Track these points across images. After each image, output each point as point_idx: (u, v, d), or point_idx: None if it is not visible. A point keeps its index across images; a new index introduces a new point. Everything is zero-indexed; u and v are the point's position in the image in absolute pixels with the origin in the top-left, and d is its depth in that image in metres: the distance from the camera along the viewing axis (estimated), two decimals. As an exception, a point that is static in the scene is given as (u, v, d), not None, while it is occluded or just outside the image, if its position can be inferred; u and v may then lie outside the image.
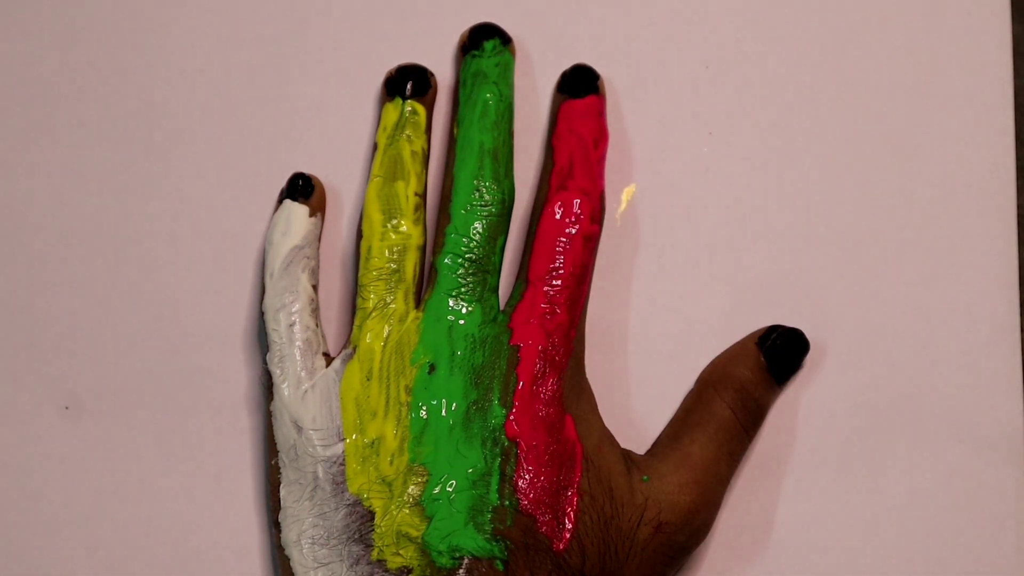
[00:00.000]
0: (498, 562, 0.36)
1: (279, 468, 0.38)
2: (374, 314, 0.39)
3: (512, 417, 0.37)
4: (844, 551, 0.40)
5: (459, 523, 0.36)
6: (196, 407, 0.42)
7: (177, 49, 0.44)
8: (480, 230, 0.40)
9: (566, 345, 0.39)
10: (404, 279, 0.40)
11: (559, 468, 0.37)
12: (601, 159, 0.41)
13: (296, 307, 0.39)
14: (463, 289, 0.39)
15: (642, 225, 0.42)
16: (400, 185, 0.41)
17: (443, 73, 0.43)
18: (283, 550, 0.38)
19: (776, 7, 0.44)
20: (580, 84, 0.42)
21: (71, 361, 0.42)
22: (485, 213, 0.40)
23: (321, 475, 0.38)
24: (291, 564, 0.37)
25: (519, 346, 0.38)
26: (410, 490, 0.37)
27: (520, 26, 0.43)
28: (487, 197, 0.40)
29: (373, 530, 0.37)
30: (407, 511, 0.37)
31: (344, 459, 0.38)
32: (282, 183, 0.42)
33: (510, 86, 0.42)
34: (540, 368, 0.38)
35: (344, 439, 0.38)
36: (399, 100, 0.42)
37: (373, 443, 0.38)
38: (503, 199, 0.40)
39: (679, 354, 0.41)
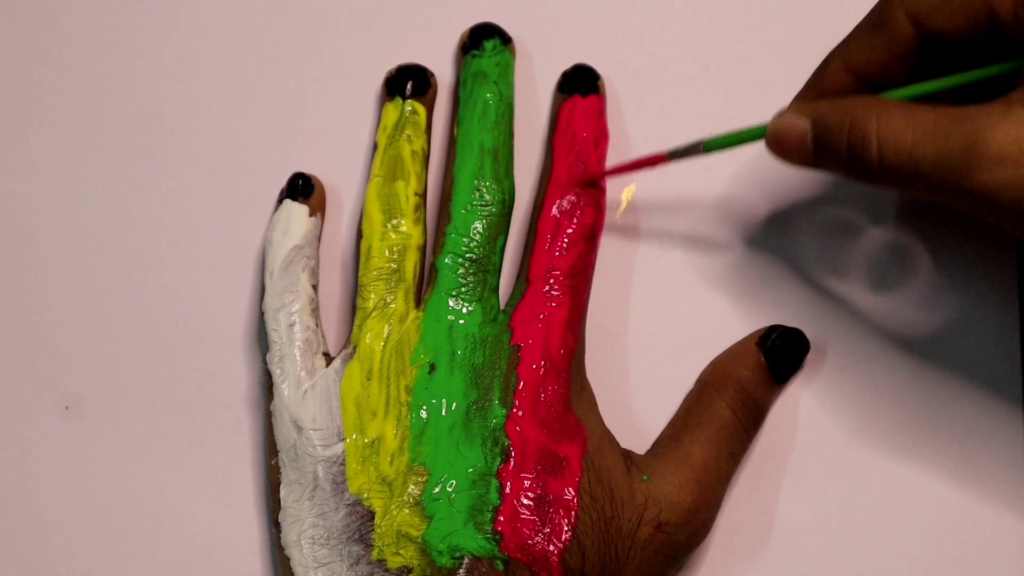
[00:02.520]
0: (498, 562, 0.36)
1: (279, 468, 0.38)
2: (374, 314, 0.39)
3: (512, 417, 0.37)
4: (844, 551, 0.40)
5: (459, 523, 0.36)
6: (196, 407, 0.42)
7: (177, 49, 0.44)
8: (480, 230, 0.40)
9: (566, 345, 0.39)
10: (404, 279, 0.40)
11: (558, 468, 0.37)
12: (601, 159, 0.41)
13: (296, 307, 0.39)
14: (463, 289, 0.39)
15: (642, 225, 0.42)
16: (400, 185, 0.41)
17: (443, 73, 0.43)
18: (283, 550, 0.38)
19: (776, 7, 0.44)
20: (580, 84, 0.42)
21: (71, 361, 0.42)
22: (485, 213, 0.40)
23: (321, 475, 0.38)
24: (291, 564, 0.37)
25: (519, 346, 0.38)
26: (410, 490, 0.37)
27: (520, 26, 0.43)
28: (487, 197, 0.40)
29: (373, 530, 0.37)
30: (407, 511, 0.37)
31: (344, 459, 0.38)
32: (282, 183, 0.42)
33: (510, 86, 0.42)
34: (541, 368, 0.38)
35: (344, 439, 0.38)
36: (399, 100, 0.42)
37: (373, 443, 0.38)
38: (503, 199, 0.40)
39: (679, 354, 0.41)
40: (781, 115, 0.36)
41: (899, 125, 0.32)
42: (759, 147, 0.43)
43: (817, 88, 0.36)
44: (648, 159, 0.39)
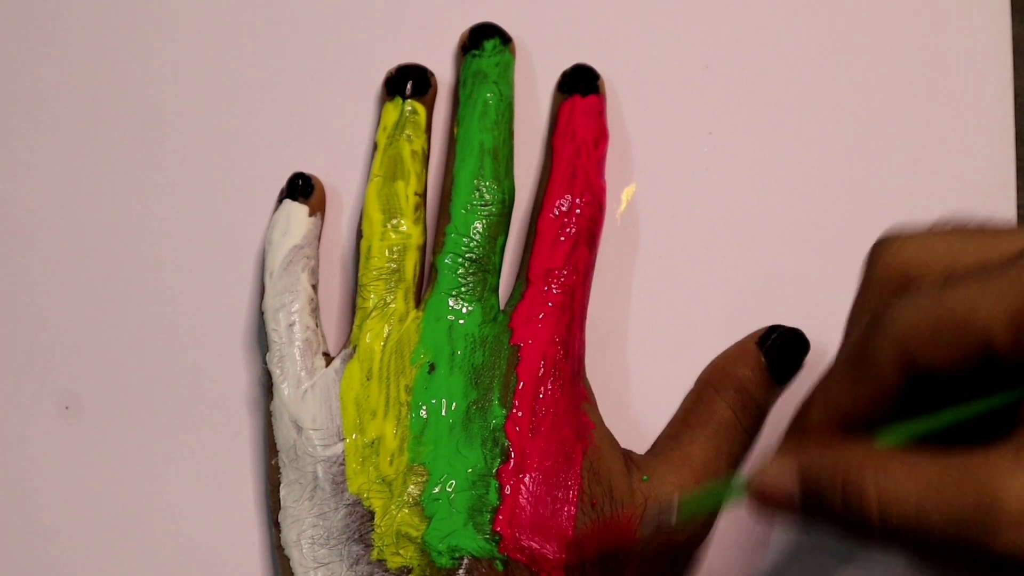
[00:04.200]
0: (498, 562, 0.36)
1: (279, 468, 0.38)
2: (374, 314, 0.39)
3: (512, 417, 0.37)
4: (844, 551, 0.40)
5: (459, 523, 0.36)
6: (196, 407, 0.42)
7: (177, 49, 0.44)
8: (480, 230, 0.40)
9: (566, 345, 0.39)
10: (404, 279, 0.40)
11: (559, 468, 0.37)
12: (601, 159, 0.41)
13: (296, 307, 0.39)
14: (463, 289, 0.39)
15: (642, 225, 0.42)
16: (400, 185, 0.41)
17: (443, 73, 0.43)
18: (283, 550, 0.38)
19: (776, 7, 0.44)
20: (580, 84, 0.42)
21: (71, 361, 0.42)
22: (485, 213, 0.40)
23: (321, 475, 0.38)
24: (291, 564, 0.37)
25: (519, 346, 0.38)
26: (410, 490, 0.37)
27: (520, 26, 0.43)
28: (487, 197, 0.40)
29: (373, 530, 0.37)
30: (407, 511, 0.37)
31: (344, 459, 0.38)
32: (282, 183, 0.42)
33: (510, 86, 0.42)
34: (541, 368, 0.38)
35: (344, 439, 0.38)
36: (399, 100, 0.42)
37: (373, 443, 0.38)
38: (503, 199, 0.40)
39: (679, 354, 0.41)
40: (764, 470, 0.30)
41: (900, 481, 0.28)
42: (761, 138, 0.43)
43: (799, 434, 0.31)
44: (619, 533, 0.36)
